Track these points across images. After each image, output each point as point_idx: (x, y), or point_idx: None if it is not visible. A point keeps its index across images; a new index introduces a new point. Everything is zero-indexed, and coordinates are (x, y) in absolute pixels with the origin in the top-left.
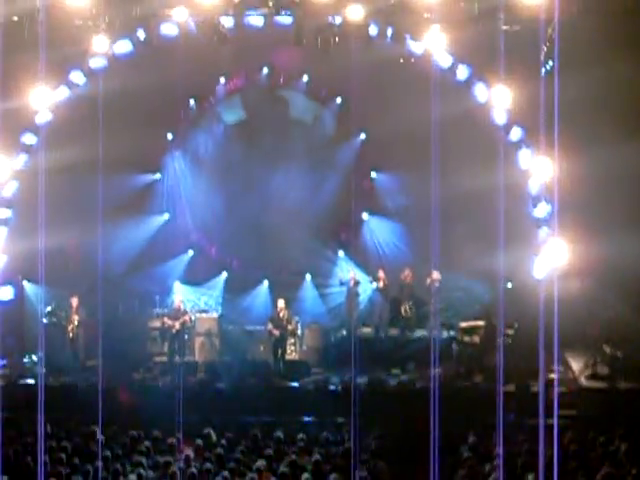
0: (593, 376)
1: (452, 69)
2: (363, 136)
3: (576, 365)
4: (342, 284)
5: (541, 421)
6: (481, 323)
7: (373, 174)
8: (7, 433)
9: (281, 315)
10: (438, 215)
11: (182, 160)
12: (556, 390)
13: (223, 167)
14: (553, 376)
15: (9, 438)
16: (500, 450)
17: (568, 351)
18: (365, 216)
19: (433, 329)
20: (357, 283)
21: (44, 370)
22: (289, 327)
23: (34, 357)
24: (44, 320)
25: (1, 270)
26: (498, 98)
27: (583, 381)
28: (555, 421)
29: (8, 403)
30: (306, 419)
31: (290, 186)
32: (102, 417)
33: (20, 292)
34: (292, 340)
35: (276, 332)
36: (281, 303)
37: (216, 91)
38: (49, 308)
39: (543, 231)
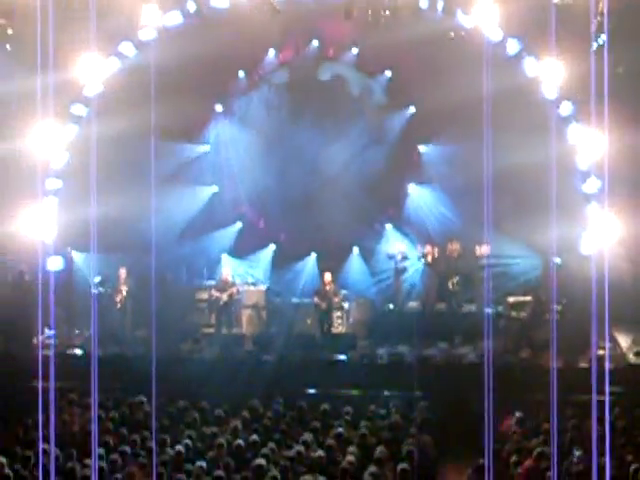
0: None
1: (502, 43)
2: (412, 109)
3: (624, 341)
4: (390, 258)
5: (594, 397)
6: (529, 298)
7: (422, 147)
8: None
9: (327, 288)
10: (490, 191)
11: (231, 131)
12: (607, 366)
13: (272, 139)
14: (602, 352)
15: (58, 408)
16: (553, 427)
17: (615, 327)
18: (413, 188)
19: (481, 304)
20: (405, 257)
21: (94, 341)
22: (335, 300)
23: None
24: (94, 291)
25: (53, 241)
26: (548, 72)
27: (631, 357)
28: (607, 398)
29: (57, 373)
30: (352, 392)
31: (338, 158)
32: (150, 388)
33: (69, 263)
34: (339, 313)
35: (323, 305)
36: (328, 276)
37: (265, 62)
38: (97, 279)
39: (592, 206)
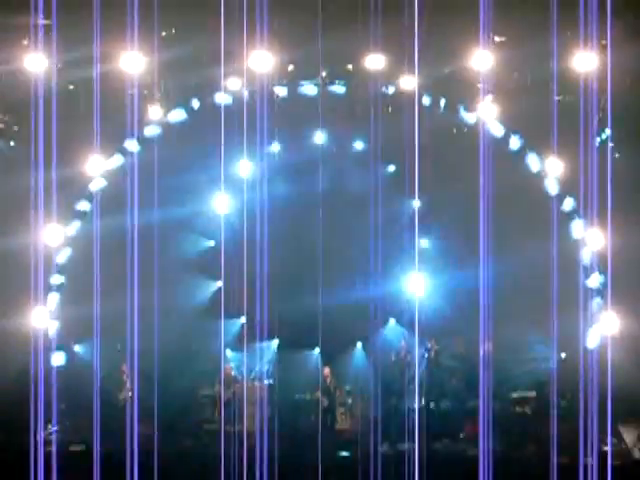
0: None
1: (505, 139)
2: (416, 203)
3: (629, 437)
4: (393, 353)
5: None
6: (533, 394)
7: (424, 241)
8: None
9: (329, 384)
10: (490, 285)
11: (236, 225)
12: (610, 462)
13: (276, 232)
14: (606, 448)
15: None
16: None
17: (621, 423)
18: (417, 283)
19: (484, 400)
20: (408, 352)
21: (97, 437)
22: (338, 396)
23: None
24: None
25: (54, 336)
26: (551, 168)
27: (636, 453)
28: None
29: (60, 469)
30: None
31: (341, 250)
32: None
33: (72, 357)
34: (342, 409)
35: (325, 401)
36: (326, 370)
37: (269, 157)
38: (102, 373)
39: (596, 301)
